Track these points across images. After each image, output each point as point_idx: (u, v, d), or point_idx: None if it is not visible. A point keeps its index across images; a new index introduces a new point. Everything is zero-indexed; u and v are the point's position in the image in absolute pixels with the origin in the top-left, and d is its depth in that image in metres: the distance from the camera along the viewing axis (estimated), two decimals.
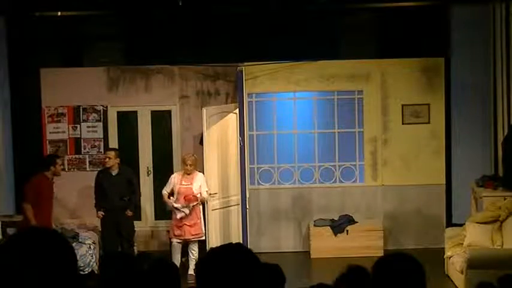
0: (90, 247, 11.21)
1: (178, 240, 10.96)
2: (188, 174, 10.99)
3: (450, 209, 12.41)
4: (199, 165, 11.27)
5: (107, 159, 11.13)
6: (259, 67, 12.33)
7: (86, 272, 10.84)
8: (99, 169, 11.80)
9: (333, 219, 12.28)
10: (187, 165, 10.95)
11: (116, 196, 11.03)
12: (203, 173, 11.13)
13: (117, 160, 11.10)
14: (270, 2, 12.13)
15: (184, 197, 10.83)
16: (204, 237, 10.99)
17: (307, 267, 11.81)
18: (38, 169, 10.56)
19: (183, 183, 10.97)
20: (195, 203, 10.85)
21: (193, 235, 10.90)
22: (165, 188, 11.13)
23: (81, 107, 12.66)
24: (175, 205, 10.86)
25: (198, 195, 10.89)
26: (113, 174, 11.10)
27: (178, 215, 10.86)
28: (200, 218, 10.98)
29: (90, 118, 12.67)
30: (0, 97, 12.00)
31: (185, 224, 10.88)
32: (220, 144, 11.57)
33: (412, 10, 12.25)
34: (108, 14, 12.49)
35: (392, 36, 12.65)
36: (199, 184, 10.95)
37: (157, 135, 12.76)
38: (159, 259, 4.02)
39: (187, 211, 10.83)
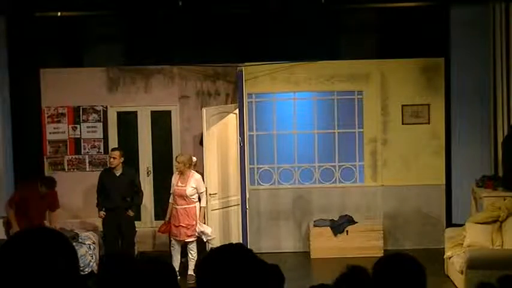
0: (90, 247, 11.22)
1: (176, 239, 10.96)
2: (182, 174, 10.95)
3: (450, 209, 12.39)
4: (199, 166, 11.27)
5: (112, 159, 11.11)
6: (259, 67, 12.33)
7: (86, 272, 10.85)
8: (99, 169, 11.80)
9: (332, 219, 12.27)
10: (176, 161, 11.00)
11: (118, 196, 11.03)
12: (202, 174, 11.12)
13: (122, 160, 11.10)
14: (270, 2, 12.12)
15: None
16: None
17: (307, 267, 11.80)
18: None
19: (179, 184, 10.96)
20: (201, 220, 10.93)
21: (188, 236, 10.89)
22: (171, 194, 11.14)
23: (81, 107, 12.66)
24: (204, 230, 10.88)
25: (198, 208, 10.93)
26: (117, 174, 11.09)
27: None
28: (196, 220, 10.96)
29: (90, 118, 12.67)
30: (0, 97, 12.00)
31: (181, 225, 10.88)
32: (220, 145, 11.56)
33: (412, 10, 12.24)
34: (108, 14, 12.48)
35: (392, 36, 12.64)
36: (194, 186, 10.90)
37: (157, 136, 12.75)
38: (155, 259, 4.00)
39: (209, 231, 10.91)
